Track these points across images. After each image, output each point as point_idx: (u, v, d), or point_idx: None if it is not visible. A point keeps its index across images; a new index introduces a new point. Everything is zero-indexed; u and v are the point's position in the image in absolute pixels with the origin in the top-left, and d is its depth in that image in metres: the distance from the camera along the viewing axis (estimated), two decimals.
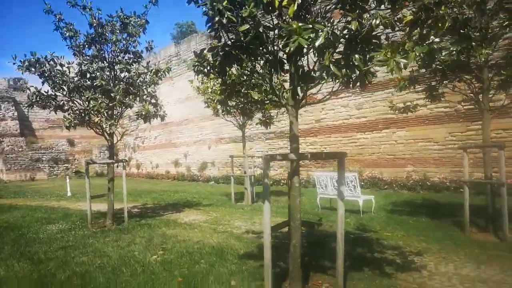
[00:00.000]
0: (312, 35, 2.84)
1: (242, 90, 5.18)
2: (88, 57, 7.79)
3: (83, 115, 7.63)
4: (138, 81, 8.15)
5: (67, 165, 34.08)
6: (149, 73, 8.26)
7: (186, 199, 12.92)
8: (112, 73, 8.02)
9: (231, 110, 10.11)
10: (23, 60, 7.02)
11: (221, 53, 3.54)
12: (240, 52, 3.50)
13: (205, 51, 3.86)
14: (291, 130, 3.83)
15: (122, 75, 8.00)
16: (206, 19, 3.25)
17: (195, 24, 46.01)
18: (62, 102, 7.77)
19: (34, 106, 7.56)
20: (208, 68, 3.92)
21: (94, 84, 7.58)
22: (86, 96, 7.32)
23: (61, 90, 7.56)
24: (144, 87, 8.19)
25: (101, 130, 8.13)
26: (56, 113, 8.12)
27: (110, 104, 7.69)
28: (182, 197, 13.75)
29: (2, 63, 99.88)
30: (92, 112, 7.52)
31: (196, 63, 3.91)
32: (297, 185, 3.77)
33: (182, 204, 11.61)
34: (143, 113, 8.03)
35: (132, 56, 8.14)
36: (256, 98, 5.38)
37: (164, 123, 29.87)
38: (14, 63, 6.92)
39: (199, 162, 25.83)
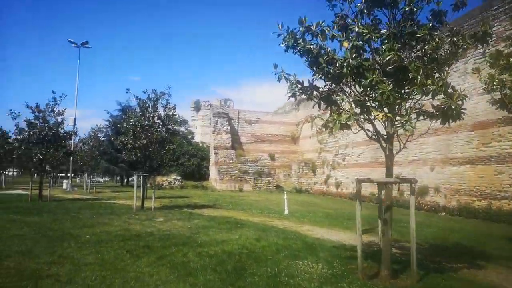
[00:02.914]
0: None
1: None
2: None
3: (362, 107, 5.28)
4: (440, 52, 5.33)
5: (269, 178, 34.85)
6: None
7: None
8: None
9: None
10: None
11: None
12: None
13: None
14: None
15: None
16: None
17: None
18: (328, 91, 5.65)
19: (295, 96, 5.69)
20: None
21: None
22: (369, 80, 4.91)
23: (330, 76, 5.42)
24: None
25: (375, 133, 5.63)
26: (320, 107, 6.07)
27: (404, 91, 5.13)
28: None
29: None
30: (375, 103, 5.10)
31: None
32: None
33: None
34: (445, 107, 5.12)
35: None
36: None
37: (368, 139, 27.32)
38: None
39: (416, 185, 21.42)
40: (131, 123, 13.90)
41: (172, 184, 34.21)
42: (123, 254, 6.48)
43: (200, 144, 43.45)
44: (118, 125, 18.20)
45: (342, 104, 5.76)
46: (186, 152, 36.83)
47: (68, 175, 33.07)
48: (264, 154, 40.07)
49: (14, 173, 48.38)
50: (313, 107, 6.28)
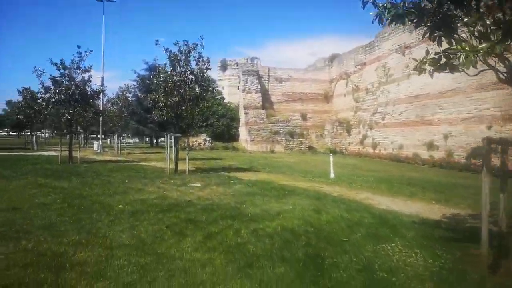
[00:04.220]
0: None
1: None
2: None
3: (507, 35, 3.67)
4: None
5: (301, 139, 33.36)
6: None
7: None
8: None
9: None
10: None
11: None
12: None
13: None
14: None
15: None
16: None
17: None
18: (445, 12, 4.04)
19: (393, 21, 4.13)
20: None
21: None
22: None
23: None
24: None
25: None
26: (431, 37, 4.48)
27: None
28: None
29: None
30: None
31: None
32: None
33: None
34: None
35: None
36: None
37: (414, 95, 24.90)
38: None
39: (469, 146, 19.45)
40: (161, 79, 12.58)
41: (202, 145, 33.41)
42: (162, 231, 5.34)
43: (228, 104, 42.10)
44: (148, 81, 16.91)
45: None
46: (215, 112, 35.60)
47: (99, 136, 32.77)
48: (295, 113, 38.35)
49: (47, 134, 48.99)
50: (423, 38, 4.64)
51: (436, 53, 4.67)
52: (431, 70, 4.94)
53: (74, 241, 4.79)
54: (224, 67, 53.87)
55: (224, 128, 36.52)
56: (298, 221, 5.92)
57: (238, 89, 41.45)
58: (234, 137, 37.18)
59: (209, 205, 7.22)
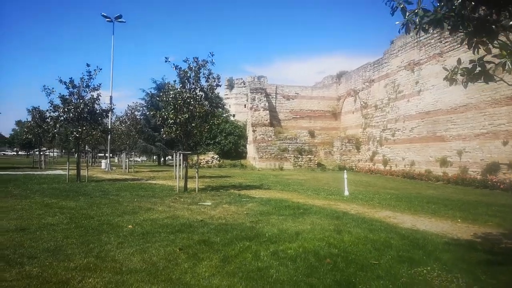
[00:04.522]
0: None
1: None
2: None
3: None
4: None
5: (310, 156, 32.93)
6: None
7: None
8: None
9: None
10: None
11: None
12: None
13: None
14: None
15: None
16: None
17: None
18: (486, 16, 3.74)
19: (422, 29, 3.81)
20: None
21: None
22: None
23: None
24: None
25: None
26: (469, 45, 4.18)
27: None
28: None
29: None
30: None
31: None
32: None
33: None
34: None
35: None
36: None
37: (425, 111, 24.48)
38: None
39: (484, 162, 18.90)
40: (171, 96, 12.39)
41: (210, 162, 33.11)
42: (176, 254, 4.97)
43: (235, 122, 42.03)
44: (157, 98, 16.76)
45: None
46: (223, 130, 35.46)
47: (107, 154, 32.65)
48: (303, 130, 38.10)
49: (55, 153, 49.09)
50: (461, 44, 4.33)
51: (470, 62, 4.36)
52: (463, 80, 4.62)
53: (82, 265, 4.44)
54: (231, 85, 54.24)
55: (231, 146, 36.31)
56: (319, 242, 5.51)
57: (245, 107, 41.45)
58: (242, 155, 36.90)
59: (223, 225, 6.85)
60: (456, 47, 20.93)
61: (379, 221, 7.41)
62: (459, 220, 7.79)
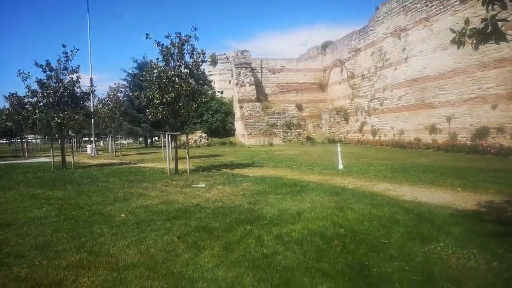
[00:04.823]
0: None
1: None
2: None
3: None
4: None
5: (299, 130, 32.72)
6: None
7: None
8: None
9: None
10: None
11: None
12: None
13: None
14: None
15: None
16: None
17: None
18: None
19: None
20: None
21: None
22: None
23: None
24: None
25: None
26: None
27: None
28: None
29: None
30: None
31: None
32: None
33: None
34: None
35: None
36: None
37: (412, 79, 24.27)
38: None
39: (473, 127, 18.96)
40: (155, 75, 11.82)
41: (198, 142, 32.67)
42: (174, 243, 4.69)
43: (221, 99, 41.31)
44: (140, 78, 16.07)
45: None
46: (209, 107, 34.82)
47: (92, 139, 31.86)
48: (290, 104, 37.73)
49: (38, 140, 47.79)
50: (461, 2, 4.01)
51: (482, 20, 4.04)
52: (473, 42, 4.31)
53: (74, 263, 4.13)
54: (214, 61, 52.91)
55: (219, 124, 35.79)
56: (323, 222, 5.30)
57: (229, 83, 40.64)
58: (230, 132, 36.48)
59: (220, 208, 6.58)
60: (443, 10, 20.58)
61: (379, 195, 7.24)
62: (459, 189, 7.69)
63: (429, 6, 21.74)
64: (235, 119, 36.26)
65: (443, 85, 21.26)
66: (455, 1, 19.56)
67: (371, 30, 29.00)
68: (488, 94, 18.22)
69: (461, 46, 4.43)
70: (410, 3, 23.60)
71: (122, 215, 6.37)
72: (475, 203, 6.35)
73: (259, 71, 37.40)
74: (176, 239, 4.86)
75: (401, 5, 24.61)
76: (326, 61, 38.61)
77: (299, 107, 37.89)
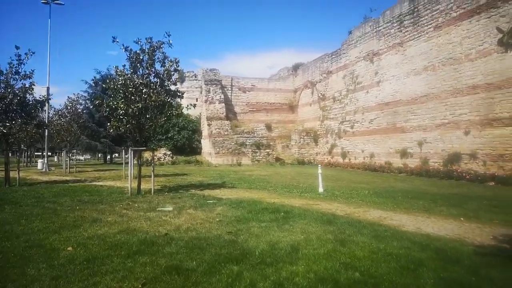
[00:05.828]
0: None
1: None
2: None
3: None
4: None
5: (268, 150, 31.92)
6: None
7: None
8: None
9: None
10: None
11: None
12: None
13: None
14: None
15: None
16: None
17: None
18: None
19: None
20: None
21: None
22: None
23: None
24: None
25: None
26: None
27: None
28: None
29: None
30: None
31: None
32: None
33: None
34: None
35: None
36: None
37: (384, 102, 24.20)
38: None
39: (445, 152, 18.88)
40: (119, 83, 10.51)
41: (162, 159, 30.99)
42: None
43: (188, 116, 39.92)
44: (103, 85, 14.53)
45: None
46: (175, 124, 33.31)
47: (44, 153, 29.27)
48: (260, 124, 37.01)
49: None
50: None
51: None
52: None
53: None
54: (182, 78, 51.69)
55: (185, 141, 34.25)
56: (329, 262, 4.23)
57: (196, 100, 39.47)
58: (196, 150, 35.02)
59: (195, 240, 5.35)
60: (417, 36, 20.77)
61: (378, 225, 6.30)
62: (461, 219, 6.92)
63: (403, 31, 21.95)
64: (202, 137, 34.93)
65: (415, 110, 21.26)
66: (429, 28, 19.78)
67: (344, 53, 29.11)
68: (461, 120, 18.24)
69: (509, 51, 3.65)
70: (384, 28, 23.81)
71: (69, 248, 4.98)
72: (490, 236, 5.56)
73: (229, 89, 36.57)
74: (140, 287, 3.60)
75: (375, 30, 24.82)
76: (297, 82, 38.48)
77: (269, 127, 37.23)
